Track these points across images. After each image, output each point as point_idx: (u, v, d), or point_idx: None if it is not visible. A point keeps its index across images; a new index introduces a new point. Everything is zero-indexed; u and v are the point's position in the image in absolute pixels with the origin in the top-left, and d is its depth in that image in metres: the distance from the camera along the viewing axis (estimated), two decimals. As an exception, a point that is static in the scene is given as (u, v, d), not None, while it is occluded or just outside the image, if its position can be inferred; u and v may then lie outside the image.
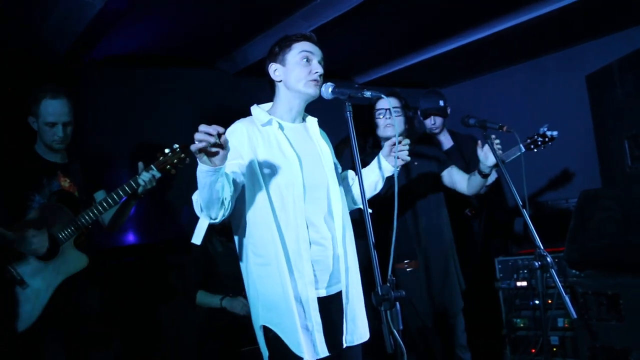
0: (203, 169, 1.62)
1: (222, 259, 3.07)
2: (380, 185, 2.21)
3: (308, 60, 1.96)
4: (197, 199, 1.76)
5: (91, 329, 2.59)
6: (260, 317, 1.88)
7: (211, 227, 2.96)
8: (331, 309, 1.94)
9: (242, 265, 1.97)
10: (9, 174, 2.46)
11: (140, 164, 2.50)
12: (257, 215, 1.89)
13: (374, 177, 2.19)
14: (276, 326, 1.84)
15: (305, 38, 2.00)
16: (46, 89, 2.51)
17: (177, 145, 2.48)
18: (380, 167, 2.17)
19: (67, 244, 2.45)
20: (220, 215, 1.75)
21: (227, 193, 1.73)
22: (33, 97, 2.50)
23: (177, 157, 2.46)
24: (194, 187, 1.74)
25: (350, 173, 2.25)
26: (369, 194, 2.21)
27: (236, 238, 1.98)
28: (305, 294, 1.84)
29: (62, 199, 2.52)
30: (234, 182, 1.79)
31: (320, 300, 1.90)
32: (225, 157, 1.61)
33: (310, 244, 1.88)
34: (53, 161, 2.58)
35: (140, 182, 2.46)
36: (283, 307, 1.83)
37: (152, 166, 2.48)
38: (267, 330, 1.86)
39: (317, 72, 1.96)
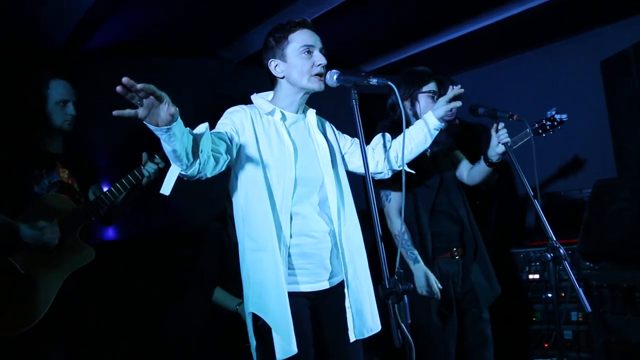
0: (151, 128, 1.50)
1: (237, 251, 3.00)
2: (427, 144, 2.21)
3: (309, 52, 1.90)
4: None
5: (94, 324, 2.56)
6: (250, 304, 1.85)
7: (228, 215, 2.96)
8: (332, 301, 1.93)
9: (239, 249, 1.94)
10: (7, 165, 2.40)
11: (144, 155, 2.47)
12: (252, 199, 1.86)
13: (420, 136, 2.17)
14: (266, 314, 1.80)
15: (300, 26, 1.93)
16: (48, 70, 2.49)
17: None
18: (427, 123, 2.17)
19: (72, 236, 2.41)
20: (193, 170, 1.64)
21: (205, 147, 1.64)
22: (37, 81, 2.46)
23: None
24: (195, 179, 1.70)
25: (386, 136, 2.24)
26: (415, 154, 2.21)
27: (235, 220, 1.96)
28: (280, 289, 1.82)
29: (62, 190, 2.47)
30: (220, 140, 1.76)
31: (317, 294, 1.90)
32: (161, 114, 1.46)
33: (291, 236, 1.86)
34: (52, 151, 2.53)
35: (145, 173, 2.44)
36: (274, 295, 1.79)
37: (156, 156, 2.43)
38: (256, 319, 1.83)
39: (320, 64, 1.91)
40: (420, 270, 2.53)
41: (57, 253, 2.35)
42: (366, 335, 1.94)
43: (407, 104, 2.69)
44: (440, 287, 2.53)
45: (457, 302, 2.68)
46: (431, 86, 2.67)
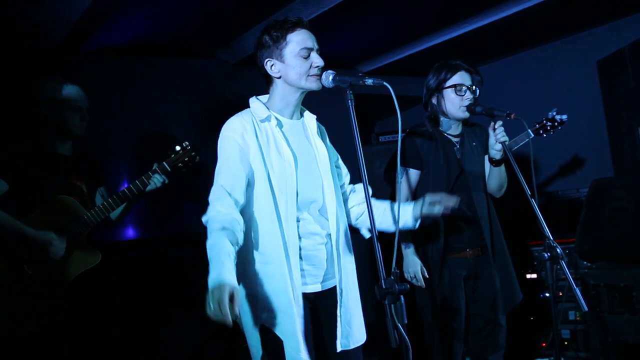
0: None
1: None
2: (389, 230, 2.04)
3: (307, 54, 1.89)
4: None
5: (95, 324, 2.57)
6: (260, 317, 1.84)
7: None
8: (325, 305, 1.93)
9: (240, 262, 1.90)
10: (17, 166, 2.42)
11: (155, 165, 2.51)
12: (258, 213, 1.86)
13: (388, 220, 2.04)
14: (276, 327, 1.81)
15: (297, 25, 1.90)
16: (59, 76, 2.51)
17: (187, 143, 2.49)
18: (399, 214, 1.97)
19: (80, 239, 2.42)
20: None
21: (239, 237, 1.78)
22: (50, 86, 2.48)
23: (187, 155, 2.48)
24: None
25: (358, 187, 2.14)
26: (379, 228, 1.97)
27: None
28: (297, 295, 1.82)
29: (71, 192, 2.49)
30: (242, 185, 1.83)
31: (315, 295, 1.90)
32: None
33: (300, 239, 1.86)
34: (61, 153, 2.56)
35: (152, 183, 2.50)
36: (284, 308, 1.80)
37: (164, 163, 2.48)
38: (265, 331, 1.82)
39: (317, 66, 1.89)
40: (409, 255, 2.58)
41: (64, 255, 2.37)
42: (351, 347, 1.91)
43: (435, 100, 2.60)
44: (427, 276, 2.54)
45: (468, 303, 2.63)
46: (456, 79, 2.53)
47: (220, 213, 1.75)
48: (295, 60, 1.87)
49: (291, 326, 1.78)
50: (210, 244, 1.70)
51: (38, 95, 2.50)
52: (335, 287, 1.93)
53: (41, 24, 2.94)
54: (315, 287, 1.90)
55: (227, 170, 1.84)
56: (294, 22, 1.89)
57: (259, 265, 1.85)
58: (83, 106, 2.53)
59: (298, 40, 1.88)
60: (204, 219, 1.79)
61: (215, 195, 1.80)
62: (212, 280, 1.58)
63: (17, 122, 2.77)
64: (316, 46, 1.91)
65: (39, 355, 2.34)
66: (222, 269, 1.60)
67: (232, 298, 1.54)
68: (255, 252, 1.86)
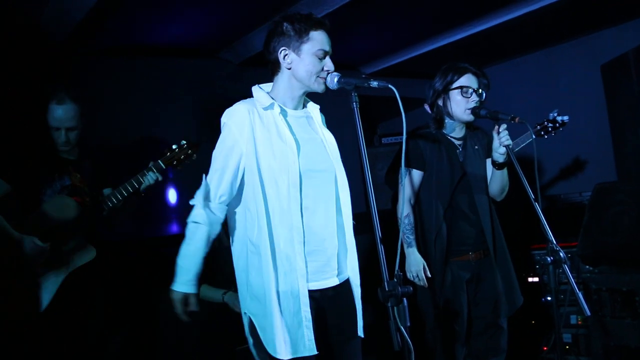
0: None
1: (228, 254, 3.01)
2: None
3: (323, 56, 1.89)
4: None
5: (93, 322, 2.60)
6: (246, 306, 1.88)
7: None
8: (339, 299, 1.92)
9: (235, 251, 1.94)
10: (22, 168, 2.51)
11: (151, 163, 2.53)
12: (252, 202, 1.85)
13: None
14: (256, 318, 1.83)
15: (322, 25, 1.89)
16: (54, 92, 2.55)
17: (185, 142, 2.51)
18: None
19: (76, 236, 2.48)
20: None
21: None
22: (44, 98, 2.55)
23: (184, 153, 2.50)
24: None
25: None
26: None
27: (232, 223, 1.95)
28: (296, 288, 1.80)
29: (73, 193, 2.55)
30: (234, 187, 1.87)
31: (333, 289, 1.89)
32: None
33: (304, 233, 1.83)
34: (65, 157, 2.63)
35: (145, 180, 2.52)
36: (266, 300, 1.80)
37: (159, 161, 2.51)
38: (251, 320, 1.86)
39: (328, 71, 1.89)
40: (411, 254, 2.55)
41: (60, 251, 2.41)
42: (360, 334, 1.94)
43: (441, 101, 2.59)
44: (429, 275, 2.52)
45: (470, 306, 2.61)
46: (463, 81, 2.53)
47: (200, 210, 1.86)
48: (310, 59, 1.87)
49: (270, 319, 1.78)
50: (185, 250, 1.93)
51: (40, 101, 2.56)
52: (344, 282, 1.93)
53: (45, 24, 2.94)
54: (325, 283, 1.88)
55: (216, 166, 1.87)
56: (319, 21, 1.89)
57: (251, 255, 1.86)
58: (62, 127, 2.55)
59: (319, 40, 1.87)
60: (191, 202, 1.88)
61: (203, 186, 1.87)
62: (176, 287, 1.89)
63: (18, 123, 2.79)
64: (331, 51, 1.91)
65: (38, 354, 2.37)
66: (187, 278, 1.89)
67: (187, 303, 1.88)
68: (248, 241, 1.87)
